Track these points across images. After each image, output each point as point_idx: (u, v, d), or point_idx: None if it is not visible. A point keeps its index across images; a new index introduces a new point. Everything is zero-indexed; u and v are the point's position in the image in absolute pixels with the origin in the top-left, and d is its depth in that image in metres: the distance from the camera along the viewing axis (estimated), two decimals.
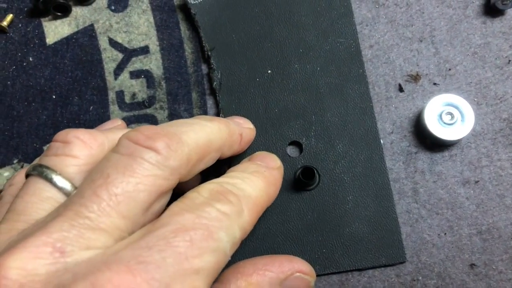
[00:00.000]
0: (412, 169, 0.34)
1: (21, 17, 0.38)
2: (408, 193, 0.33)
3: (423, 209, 0.33)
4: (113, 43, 0.37)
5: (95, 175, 0.22)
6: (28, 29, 0.38)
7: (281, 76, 0.35)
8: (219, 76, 0.36)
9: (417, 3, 0.36)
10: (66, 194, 0.24)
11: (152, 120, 0.36)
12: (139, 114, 0.36)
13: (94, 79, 0.37)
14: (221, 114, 0.35)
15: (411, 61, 0.35)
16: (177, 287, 0.20)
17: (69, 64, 0.37)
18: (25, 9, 0.38)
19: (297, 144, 0.34)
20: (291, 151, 0.34)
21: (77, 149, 0.25)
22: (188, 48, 0.37)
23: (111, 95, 0.36)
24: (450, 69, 0.35)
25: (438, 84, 0.35)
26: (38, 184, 0.24)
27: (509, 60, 0.35)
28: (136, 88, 0.36)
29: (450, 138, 0.33)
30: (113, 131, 0.28)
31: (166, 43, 0.37)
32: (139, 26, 0.37)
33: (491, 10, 0.36)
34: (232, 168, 0.28)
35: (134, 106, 0.36)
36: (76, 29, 0.38)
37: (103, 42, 0.37)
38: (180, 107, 0.36)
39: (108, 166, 0.22)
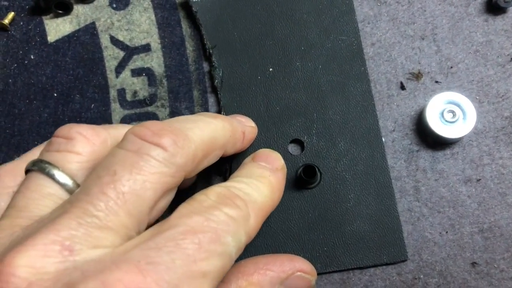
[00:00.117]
0: (413, 167, 0.34)
1: (22, 15, 0.38)
2: (410, 191, 0.33)
3: (425, 207, 0.33)
4: (115, 41, 0.37)
5: (101, 171, 0.22)
6: (30, 27, 0.38)
7: (283, 74, 0.35)
8: (220, 74, 0.35)
9: (419, 1, 0.36)
10: (68, 190, 0.24)
11: (153, 118, 0.36)
12: (140, 112, 0.36)
13: (96, 77, 0.37)
14: (222, 112, 0.35)
15: (413, 59, 0.35)
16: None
17: (71, 62, 0.37)
18: (27, 7, 0.38)
19: (298, 142, 0.34)
20: (293, 149, 0.34)
21: (79, 145, 0.25)
22: (190, 46, 0.37)
23: (113, 93, 0.36)
24: (452, 67, 0.35)
25: (440, 82, 0.35)
26: (40, 180, 0.24)
27: (511, 58, 0.35)
28: (137, 86, 0.36)
29: (451, 136, 0.33)
30: (115, 127, 0.27)
31: (167, 41, 0.37)
32: (140, 24, 0.37)
33: (493, 8, 0.36)
34: (236, 173, 0.28)
35: (136, 104, 0.36)
36: (77, 27, 0.38)
37: (105, 40, 0.37)
38: (182, 105, 0.36)
39: (115, 163, 0.22)
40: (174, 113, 0.36)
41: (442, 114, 0.33)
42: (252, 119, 0.33)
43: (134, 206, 0.22)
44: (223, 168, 0.34)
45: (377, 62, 0.35)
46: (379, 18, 0.36)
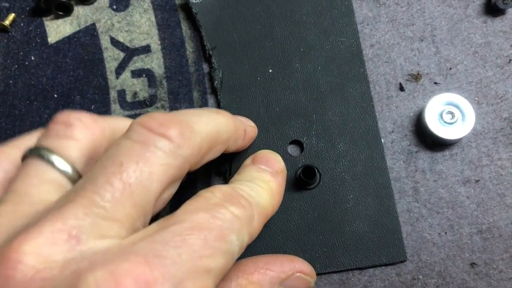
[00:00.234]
0: (412, 168, 0.34)
1: (23, 16, 0.38)
2: (409, 192, 0.33)
3: (424, 208, 0.33)
4: (115, 42, 0.37)
5: (107, 161, 0.22)
6: (30, 28, 0.38)
7: (282, 75, 0.35)
8: (220, 75, 0.36)
9: (418, 2, 0.36)
10: (68, 177, 0.24)
11: None
12: (140, 113, 0.36)
13: (96, 78, 0.37)
14: None
15: (412, 60, 0.35)
16: (190, 284, 0.20)
17: (71, 63, 0.37)
18: (27, 8, 0.38)
19: (298, 143, 0.34)
20: (292, 150, 0.34)
21: (79, 132, 0.25)
22: (190, 47, 0.37)
23: (113, 94, 0.36)
24: (451, 68, 0.35)
25: (439, 84, 0.35)
26: (39, 166, 0.23)
27: (510, 60, 0.35)
28: (137, 87, 0.36)
29: (450, 137, 0.33)
30: (114, 118, 0.27)
31: (167, 42, 0.37)
32: (140, 25, 0.38)
33: (492, 10, 0.36)
34: (236, 176, 0.28)
35: (136, 105, 0.36)
36: (77, 28, 0.38)
37: (105, 41, 0.37)
38: (182, 106, 0.36)
39: (121, 153, 0.22)
40: None
41: (441, 115, 0.33)
42: (252, 120, 0.33)
43: (140, 197, 0.21)
44: (222, 168, 0.34)
45: (376, 64, 0.36)
46: (378, 20, 0.36)
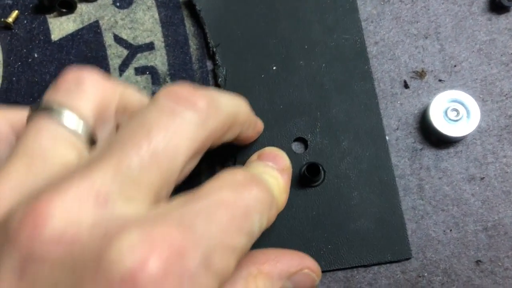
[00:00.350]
0: (417, 165, 0.34)
1: (26, 13, 0.38)
2: (414, 189, 0.33)
3: (429, 206, 0.33)
4: (118, 40, 0.37)
5: (135, 127, 0.21)
6: (33, 26, 0.38)
7: (286, 73, 0.35)
8: (224, 73, 0.36)
9: None
10: (81, 136, 0.23)
11: None
12: None
13: None
14: None
15: (416, 58, 0.35)
16: (217, 258, 0.19)
17: (74, 60, 0.37)
18: (30, 5, 0.38)
19: (302, 140, 0.34)
20: (296, 147, 0.34)
21: (91, 88, 0.24)
22: (193, 45, 0.37)
23: None
24: (455, 66, 0.35)
25: (444, 81, 0.35)
26: (51, 124, 0.22)
27: None
28: (141, 84, 0.36)
29: (455, 134, 0.33)
30: (124, 84, 0.27)
31: (171, 39, 0.37)
32: (144, 23, 0.37)
33: (497, 7, 0.36)
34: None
35: None
36: (81, 26, 0.38)
37: (108, 39, 0.37)
38: None
39: (149, 121, 0.22)
40: None
41: (445, 112, 0.33)
42: None
43: (167, 166, 0.21)
44: (226, 165, 0.34)
45: (381, 61, 0.35)
46: (383, 17, 0.36)
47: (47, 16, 0.38)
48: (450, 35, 0.36)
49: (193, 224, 0.19)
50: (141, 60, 0.37)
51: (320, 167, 0.33)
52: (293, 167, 0.33)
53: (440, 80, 0.35)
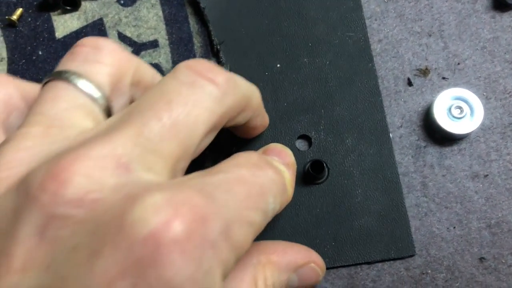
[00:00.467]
0: (421, 163, 0.34)
1: (30, 11, 0.38)
2: (417, 187, 0.33)
3: (432, 203, 0.33)
4: (122, 37, 0.37)
5: (155, 96, 0.22)
6: (38, 23, 0.38)
7: (290, 70, 0.35)
8: (228, 70, 0.35)
9: None
10: (98, 104, 0.23)
11: None
12: None
13: None
14: None
15: (420, 56, 0.35)
16: (236, 230, 0.19)
17: None
18: (35, 3, 0.38)
19: (306, 137, 0.34)
20: (300, 144, 0.34)
21: (107, 57, 0.24)
22: (197, 42, 0.37)
23: None
24: (459, 64, 0.35)
25: (447, 79, 0.35)
26: (69, 90, 0.22)
27: None
28: None
29: (459, 132, 0.33)
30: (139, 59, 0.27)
31: (175, 37, 0.37)
32: (148, 20, 0.38)
33: (500, 5, 0.36)
34: None
35: None
36: (85, 23, 0.38)
37: (112, 36, 0.37)
38: None
39: (169, 92, 0.22)
40: None
41: (449, 110, 0.33)
42: None
43: (186, 137, 0.21)
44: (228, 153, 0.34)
45: (385, 59, 0.36)
46: (386, 15, 0.36)
47: (51, 13, 0.38)
48: (454, 33, 0.36)
49: (213, 195, 0.19)
50: (145, 57, 0.37)
51: (324, 164, 0.33)
52: (297, 164, 0.33)
53: (443, 78, 0.35)
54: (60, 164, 0.19)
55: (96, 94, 0.23)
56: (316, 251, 0.32)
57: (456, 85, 0.35)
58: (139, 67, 0.26)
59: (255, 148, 0.32)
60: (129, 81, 0.25)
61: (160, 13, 0.38)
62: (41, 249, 0.18)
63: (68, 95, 0.22)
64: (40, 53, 0.37)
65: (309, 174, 0.33)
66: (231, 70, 0.36)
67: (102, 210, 0.18)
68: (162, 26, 0.37)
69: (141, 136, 0.20)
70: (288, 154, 0.29)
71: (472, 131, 0.33)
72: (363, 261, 0.32)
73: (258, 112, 0.29)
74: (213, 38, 0.36)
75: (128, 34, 0.37)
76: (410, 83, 0.35)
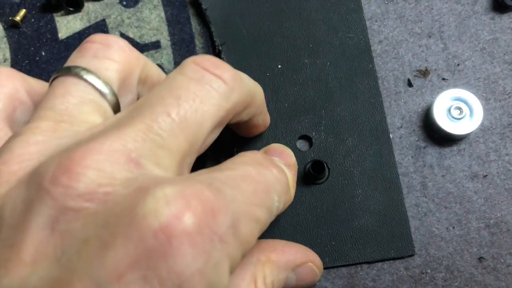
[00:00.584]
0: (421, 163, 0.34)
1: (33, 12, 0.38)
2: (417, 187, 0.34)
3: (432, 203, 0.33)
4: (125, 38, 0.37)
5: (163, 92, 0.22)
6: (41, 24, 0.38)
7: (291, 71, 0.35)
8: None
9: None
10: (107, 100, 0.23)
11: None
12: None
13: None
14: None
15: (420, 57, 0.36)
16: (243, 225, 0.20)
17: None
18: (38, 4, 0.39)
19: (307, 138, 0.35)
20: (301, 145, 0.35)
21: (117, 54, 0.24)
22: (199, 43, 0.37)
23: None
24: (458, 65, 0.35)
25: (447, 79, 0.35)
26: (79, 86, 0.23)
27: None
28: None
29: (458, 132, 0.33)
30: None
31: (177, 38, 0.37)
32: (150, 21, 0.38)
33: (500, 6, 0.36)
34: None
35: None
36: (88, 24, 0.38)
37: None
38: None
39: (178, 87, 0.22)
40: None
41: (449, 110, 0.34)
42: None
43: (194, 133, 0.21)
44: (230, 154, 0.34)
45: (385, 60, 0.36)
46: (387, 16, 0.37)
47: (54, 14, 0.38)
48: (454, 34, 0.36)
49: (222, 190, 0.20)
50: (148, 58, 0.37)
51: (325, 165, 0.33)
52: (298, 164, 0.34)
53: (443, 79, 0.35)
54: (71, 158, 0.19)
55: (105, 89, 0.23)
56: (317, 250, 0.32)
57: (455, 86, 0.35)
58: (146, 65, 0.26)
59: (256, 148, 0.33)
60: (137, 78, 0.26)
61: (162, 14, 0.38)
62: (52, 241, 0.18)
63: (78, 90, 0.23)
64: (43, 53, 0.38)
65: (309, 174, 0.33)
66: None
67: (113, 203, 0.18)
68: (164, 27, 0.38)
69: (151, 132, 0.20)
70: (289, 155, 0.29)
71: (472, 132, 0.33)
72: (363, 261, 0.33)
73: (261, 109, 0.29)
74: (214, 39, 0.37)
75: (131, 35, 0.38)
76: (410, 84, 0.35)
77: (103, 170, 0.19)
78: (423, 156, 0.34)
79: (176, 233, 0.17)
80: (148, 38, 0.38)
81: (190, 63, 0.23)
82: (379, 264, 0.33)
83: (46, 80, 0.37)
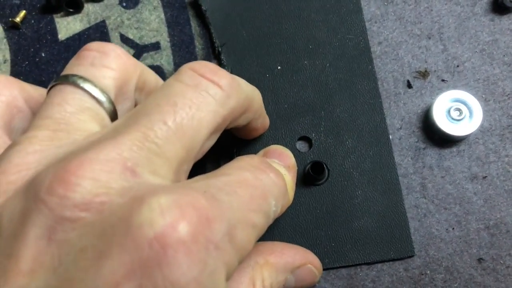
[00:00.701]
0: (420, 164, 0.34)
1: (33, 13, 0.39)
2: (417, 188, 0.34)
3: (431, 204, 0.34)
4: (125, 39, 0.38)
5: (160, 99, 0.22)
6: (41, 25, 0.38)
7: (291, 72, 0.36)
8: (229, 72, 0.36)
9: (426, 0, 0.37)
10: (104, 108, 0.23)
11: None
12: None
13: None
14: None
15: (419, 58, 0.36)
16: (239, 232, 0.20)
17: None
18: (38, 5, 0.39)
19: (306, 139, 0.35)
20: (301, 146, 0.35)
21: (114, 62, 0.24)
22: (199, 44, 0.37)
23: None
24: (458, 66, 0.35)
25: (446, 81, 0.35)
26: (75, 94, 0.23)
27: None
28: None
29: (458, 134, 0.33)
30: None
31: (177, 39, 0.37)
32: (150, 23, 0.38)
33: (499, 8, 0.36)
34: None
35: None
36: (88, 25, 0.38)
37: (115, 38, 0.38)
38: None
39: (174, 94, 0.22)
40: None
41: (448, 112, 0.34)
42: None
43: (190, 140, 0.22)
44: (229, 155, 0.34)
45: (384, 61, 0.36)
46: (386, 18, 0.37)
47: (54, 16, 0.38)
48: (453, 36, 0.36)
49: (217, 197, 0.20)
50: (147, 59, 0.37)
51: (324, 166, 0.33)
52: (298, 165, 0.34)
53: (443, 80, 0.35)
54: (67, 168, 0.19)
55: (102, 97, 0.23)
56: (316, 251, 0.32)
57: (455, 87, 0.35)
58: (143, 73, 0.26)
59: (256, 149, 0.33)
60: (134, 86, 0.26)
61: (162, 16, 0.38)
62: (49, 251, 0.18)
63: (75, 98, 0.23)
64: (43, 55, 0.38)
65: (309, 176, 0.33)
66: (232, 72, 0.36)
67: (109, 212, 0.18)
68: (164, 29, 0.38)
69: (147, 140, 0.20)
70: (288, 156, 0.29)
71: (471, 133, 0.33)
72: (363, 262, 0.33)
73: (259, 114, 0.29)
74: (214, 41, 0.37)
75: (130, 36, 0.38)
76: (409, 85, 0.35)
77: (99, 179, 0.19)
78: (423, 157, 0.34)
79: (170, 242, 0.17)
80: (148, 39, 0.38)
81: (186, 69, 0.23)
82: (379, 265, 0.33)
83: (46, 81, 0.37)
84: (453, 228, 0.33)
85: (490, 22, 0.36)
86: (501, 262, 0.32)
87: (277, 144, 0.34)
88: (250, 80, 0.35)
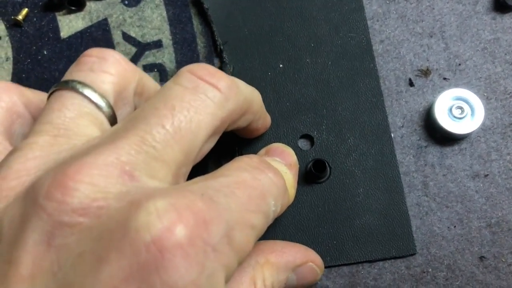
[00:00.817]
0: (422, 162, 0.34)
1: (36, 11, 0.39)
2: (418, 186, 0.34)
3: (433, 202, 0.34)
4: (127, 37, 0.38)
5: (158, 103, 0.22)
6: (43, 23, 0.38)
7: (293, 70, 0.36)
8: (231, 70, 0.36)
9: None
10: (104, 112, 0.23)
11: None
12: None
13: None
14: None
15: (421, 56, 0.36)
16: (237, 233, 0.20)
17: None
18: (40, 3, 0.39)
19: (308, 137, 0.35)
20: (303, 144, 0.35)
21: (113, 67, 0.24)
22: (201, 42, 0.37)
23: None
24: (460, 64, 0.35)
25: (448, 79, 0.35)
26: (75, 99, 0.23)
27: None
28: None
29: (460, 132, 0.33)
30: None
31: (179, 37, 0.37)
32: (152, 21, 0.38)
33: (501, 6, 0.36)
34: None
35: None
36: (90, 23, 0.38)
37: (117, 36, 0.38)
38: None
39: (172, 97, 0.22)
40: None
41: (450, 110, 0.34)
42: None
43: (188, 143, 0.22)
44: (230, 154, 0.34)
45: (386, 59, 0.36)
46: (388, 16, 0.37)
47: (56, 13, 0.38)
48: (455, 34, 0.36)
49: (215, 199, 0.20)
50: (149, 57, 0.37)
51: (326, 164, 0.33)
52: (300, 163, 0.34)
53: (444, 78, 0.35)
54: (65, 173, 0.19)
55: (101, 102, 0.23)
56: (318, 249, 0.32)
57: (457, 85, 0.35)
58: (142, 78, 0.27)
59: (258, 148, 0.33)
60: (133, 91, 0.26)
61: (164, 14, 0.38)
62: (48, 256, 0.18)
63: (74, 104, 0.23)
64: (45, 52, 0.38)
65: (311, 174, 0.33)
66: (234, 70, 0.36)
67: (107, 217, 0.18)
68: (166, 27, 0.38)
69: (145, 144, 0.20)
70: (290, 154, 0.29)
71: (473, 131, 0.34)
72: (365, 260, 0.33)
73: (259, 115, 0.29)
74: (216, 39, 0.37)
75: (133, 34, 0.38)
76: (411, 84, 0.35)
77: (97, 184, 0.19)
78: (425, 156, 0.34)
79: (168, 246, 0.17)
80: (150, 37, 0.38)
81: (185, 72, 0.23)
82: (380, 263, 0.33)
83: (48, 79, 0.37)
84: (454, 226, 0.33)
85: (492, 21, 0.36)
86: (503, 260, 0.33)
87: (279, 142, 0.34)
88: (252, 78, 0.36)
